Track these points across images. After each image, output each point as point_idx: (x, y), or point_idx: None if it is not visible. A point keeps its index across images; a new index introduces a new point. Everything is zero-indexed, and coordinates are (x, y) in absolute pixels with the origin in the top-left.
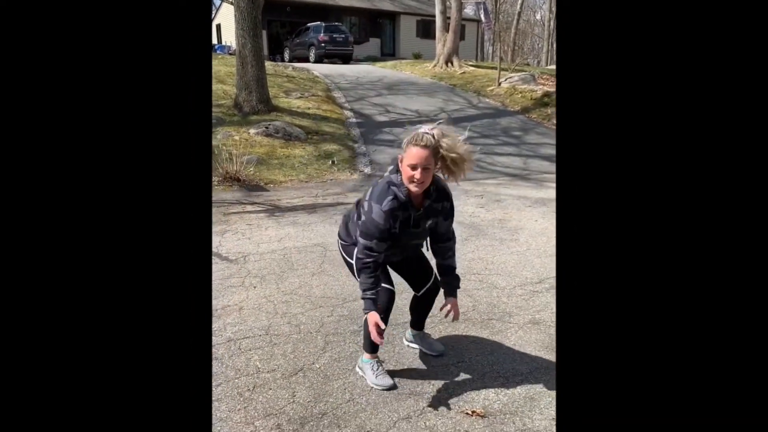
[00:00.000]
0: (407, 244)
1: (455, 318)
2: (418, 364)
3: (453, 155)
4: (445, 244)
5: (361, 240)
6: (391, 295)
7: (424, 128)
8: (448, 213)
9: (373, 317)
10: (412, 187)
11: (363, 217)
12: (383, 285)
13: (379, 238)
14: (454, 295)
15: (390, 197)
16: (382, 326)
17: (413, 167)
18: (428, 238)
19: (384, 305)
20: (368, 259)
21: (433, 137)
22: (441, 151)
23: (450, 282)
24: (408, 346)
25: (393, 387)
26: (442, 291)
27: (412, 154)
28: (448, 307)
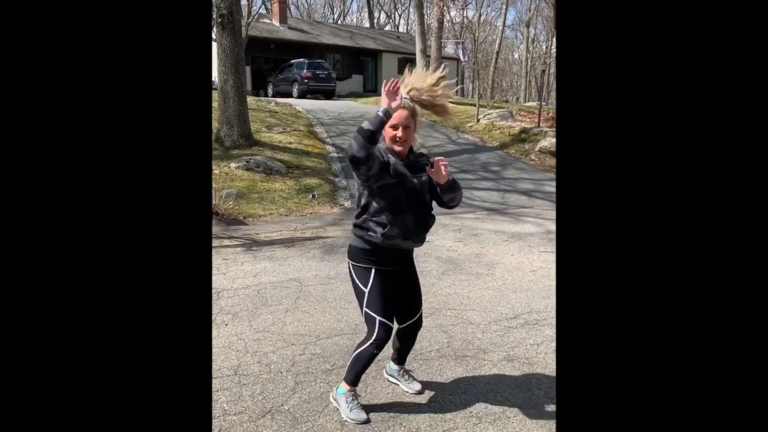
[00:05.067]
0: (407, 184)
1: (440, 171)
2: (390, 403)
3: (434, 101)
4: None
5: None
6: (389, 331)
7: (401, 94)
8: None
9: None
10: (396, 147)
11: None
12: (384, 320)
13: None
14: (448, 180)
15: None
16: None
17: (394, 127)
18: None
19: (380, 339)
20: None
21: (410, 100)
22: (424, 100)
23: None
24: (387, 379)
25: (366, 422)
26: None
27: (393, 116)
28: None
